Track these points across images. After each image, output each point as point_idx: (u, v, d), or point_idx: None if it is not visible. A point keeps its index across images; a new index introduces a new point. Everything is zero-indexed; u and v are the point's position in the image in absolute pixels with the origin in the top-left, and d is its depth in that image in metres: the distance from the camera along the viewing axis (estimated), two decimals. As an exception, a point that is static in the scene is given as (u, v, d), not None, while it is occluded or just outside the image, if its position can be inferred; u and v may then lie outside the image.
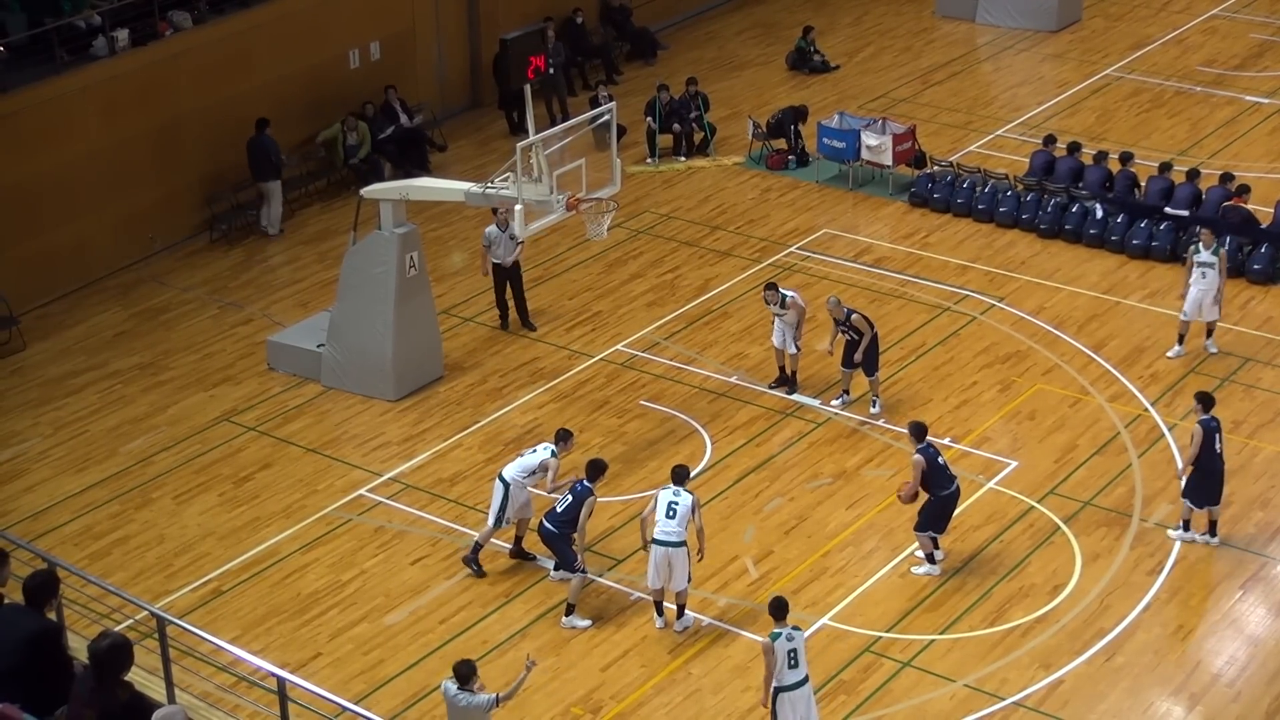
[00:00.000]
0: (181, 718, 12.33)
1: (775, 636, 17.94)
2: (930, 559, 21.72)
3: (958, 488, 21.56)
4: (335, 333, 26.38)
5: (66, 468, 24.68)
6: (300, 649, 20.78)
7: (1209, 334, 26.43)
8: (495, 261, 27.40)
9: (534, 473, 21.70)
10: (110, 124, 29.66)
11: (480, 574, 21.97)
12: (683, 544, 20.28)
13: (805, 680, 18.14)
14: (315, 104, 32.74)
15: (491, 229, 27.08)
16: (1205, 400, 21.87)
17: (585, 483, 20.96)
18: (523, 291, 27.89)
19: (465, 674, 17.19)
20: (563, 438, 22.06)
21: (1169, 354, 26.32)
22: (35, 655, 13.39)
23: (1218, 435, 21.61)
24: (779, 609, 18.31)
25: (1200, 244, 25.93)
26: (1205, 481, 21.77)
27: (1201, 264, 25.81)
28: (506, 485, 21.64)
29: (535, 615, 21.23)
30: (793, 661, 18.02)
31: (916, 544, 21.74)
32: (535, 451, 21.91)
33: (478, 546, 22.00)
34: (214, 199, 31.43)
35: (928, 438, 21.54)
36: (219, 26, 31.44)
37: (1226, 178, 29.90)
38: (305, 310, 28.50)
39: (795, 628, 18.24)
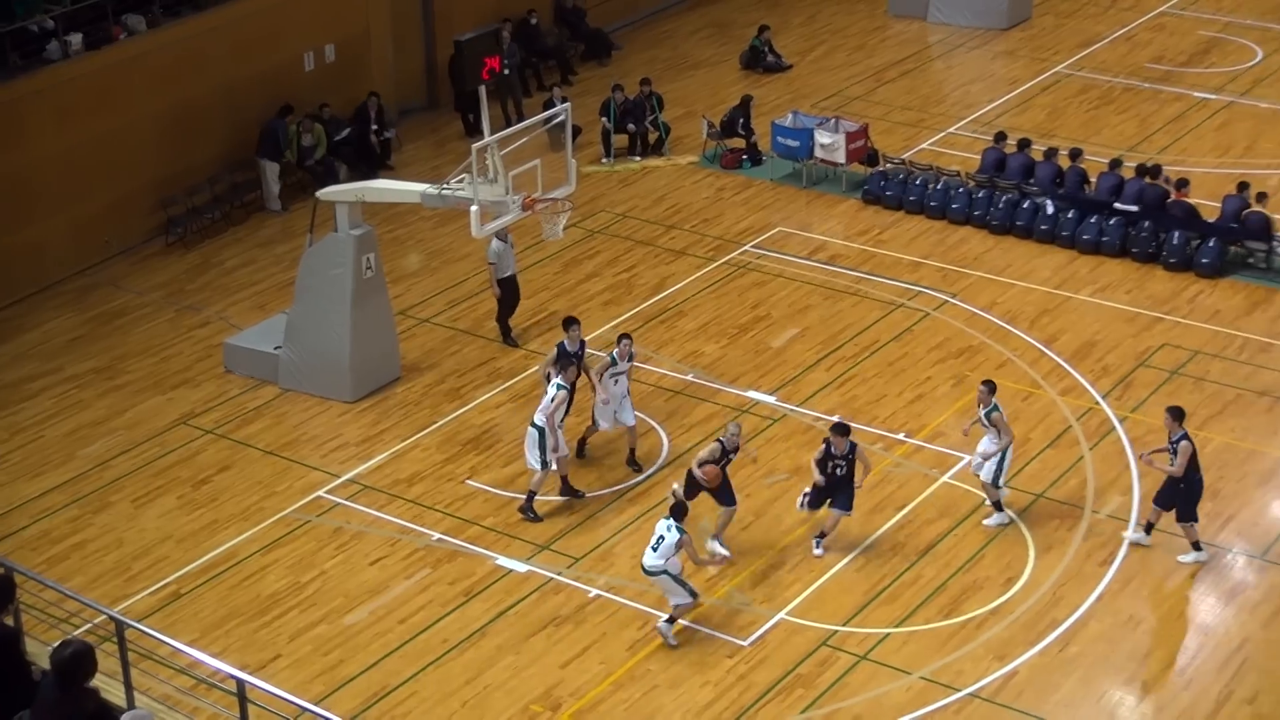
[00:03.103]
0: (147, 720, 12.34)
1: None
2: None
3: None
4: (293, 335, 26.34)
5: (23, 473, 24.56)
6: (260, 650, 20.73)
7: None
8: (503, 278, 27.21)
9: (553, 400, 22.80)
10: (64, 128, 29.53)
11: (537, 519, 22.94)
12: (663, 572, 20.17)
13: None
14: (270, 107, 32.62)
15: (495, 244, 26.76)
16: (1179, 414, 21.55)
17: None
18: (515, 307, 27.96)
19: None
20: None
21: None
22: (-8, 661, 13.35)
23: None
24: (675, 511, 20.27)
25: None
26: (1191, 494, 21.51)
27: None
28: (540, 430, 22.52)
29: (494, 614, 21.23)
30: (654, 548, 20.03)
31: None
32: (549, 392, 22.84)
33: (531, 494, 22.95)
34: (169, 202, 31.32)
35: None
36: (173, 30, 31.33)
37: (1155, 172, 29.99)
38: (262, 313, 28.43)
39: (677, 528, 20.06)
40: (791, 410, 25.39)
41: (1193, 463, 21.37)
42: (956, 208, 31.13)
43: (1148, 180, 29.73)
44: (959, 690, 19.72)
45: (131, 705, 14.15)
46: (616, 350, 23.64)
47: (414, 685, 20.10)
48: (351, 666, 20.45)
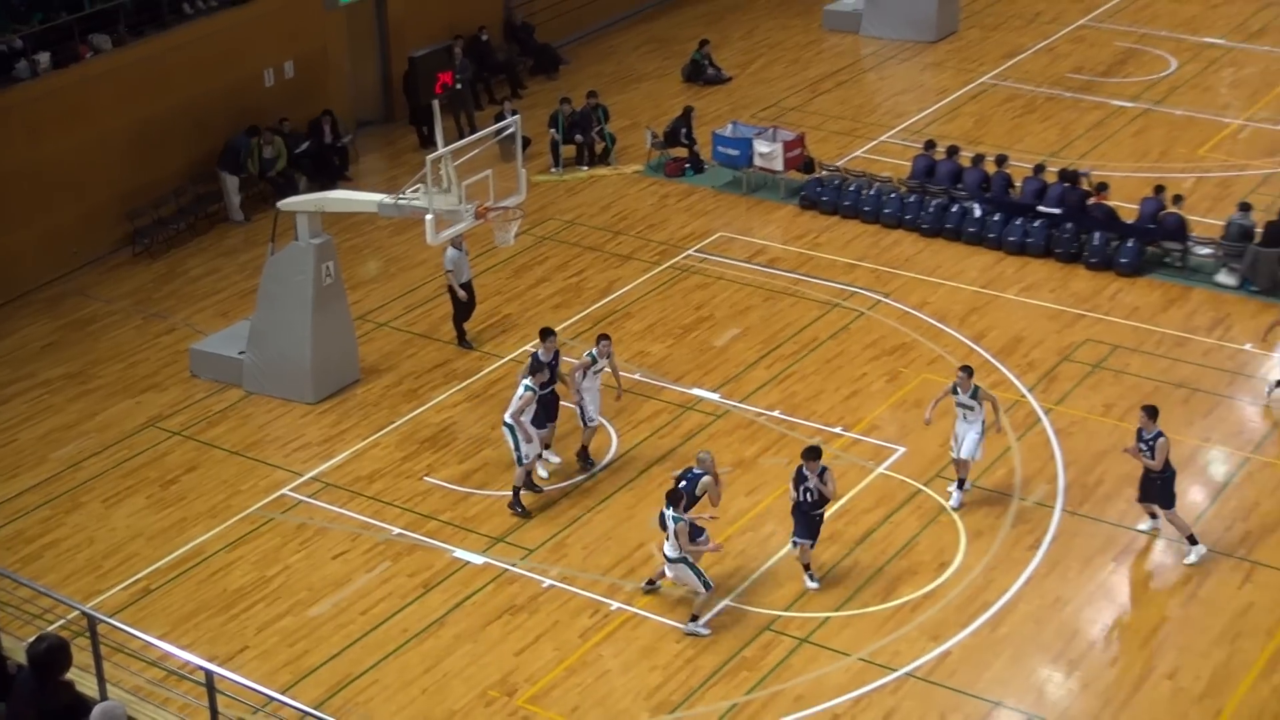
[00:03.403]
0: (119, 711, 12.26)
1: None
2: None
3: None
4: (256, 340, 26.25)
5: (-2, 475, 24.49)
6: (228, 642, 20.66)
7: None
8: (461, 282, 27.12)
9: (520, 399, 22.73)
10: (34, 143, 29.35)
11: (527, 515, 22.91)
12: (683, 560, 20.15)
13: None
14: (232, 121, 32.49)
15: (451, 252, 26.62)
16: (1154, 412, 21.50)
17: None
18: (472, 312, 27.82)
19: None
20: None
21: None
22: (-33, 657, 13.27)
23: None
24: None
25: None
26: (1170, 486, 21.58)
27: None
28: (511, 428, 22.57)
29: (452, 605, 21.21)
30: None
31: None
32: (518, 392, 22.85)
33: (516, 490, 22.95)
34: (136, 214, 31.16)
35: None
36: (138, 48, 31.17)
37: (1076, 176, 30.20)
38: (226, 319, 28.32)
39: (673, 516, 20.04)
40: (734, 406, 25.43)
41: (1168, 458, 21.46)
42: (889, 212, 31.23)
43: (1081, 186, 29.93)
44: (896, 670, 19.80)
45: (104, 697, 14.08)
46: (596, 349, 23.59)
47: (376, 674, 20.07)
48: (316, 657, 20.40)
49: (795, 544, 21.19)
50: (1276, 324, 25.29)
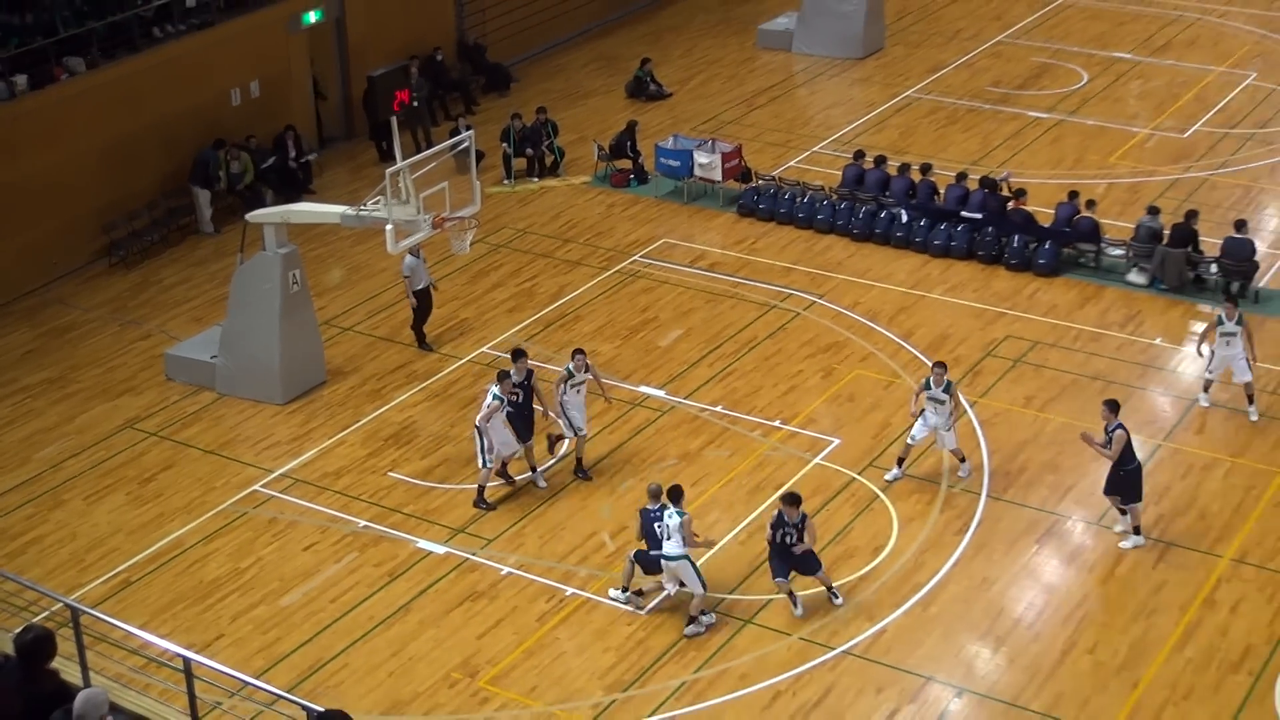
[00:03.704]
0: (103, 698, 12.18)
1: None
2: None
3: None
4: (227, 344, 26.12)
5: (-17, 475, 24.27)
6: (204, 631, 20.55)
7: (1249, 400, 24.51)
8: (418, 290, 27.00)
9: (488, 406, 22.55)
10: (11, 161, 29.10)
11: (490, 508, 22.81)
12: (684, 558, 19.98)
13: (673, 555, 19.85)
14: (201, 139, 32.30)
15: (408, 259, 26.49)
16: (1115, 406, 21.37)
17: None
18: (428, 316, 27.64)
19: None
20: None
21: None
22: (-43, 648, 13.16)
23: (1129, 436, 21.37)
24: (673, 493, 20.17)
25: (1223, 315, 24.11)
26: (1133, 479, 21.41)
27: (1225, 334, 24.02)
28: (478, 432, 22.50)
29: (416, 592, 21.15)
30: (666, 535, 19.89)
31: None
32: (485, 400, 22.74)
33: (480, 489, 22.84)
34: (111, 227, 30.96)
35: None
36: (110, 70, 30.94)
37: (996, 184, 30.38)
38: (199, 325, 28.14)
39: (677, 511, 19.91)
40: (679, 402, 25.45)
41: (1128, 450, 21.21)
42: (821, 218, 31.30)
43: (1006, 197, 30.06)
44: (834, 648, 19.86)
45: (88, 684, 13.98)
46: (572, 364, 23.25)
47: (345, 658, 20.00)
48: (288, 643, 20.31)
49: (777, 583, 20.35)
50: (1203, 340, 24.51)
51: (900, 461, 23.12)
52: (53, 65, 30.04)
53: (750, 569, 21.32)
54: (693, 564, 20.07)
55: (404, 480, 23.72)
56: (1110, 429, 21.23)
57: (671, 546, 19.98)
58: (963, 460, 23.21)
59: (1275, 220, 31.17)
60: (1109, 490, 21.71)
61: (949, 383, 22.72)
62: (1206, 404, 24.68)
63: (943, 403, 22.61)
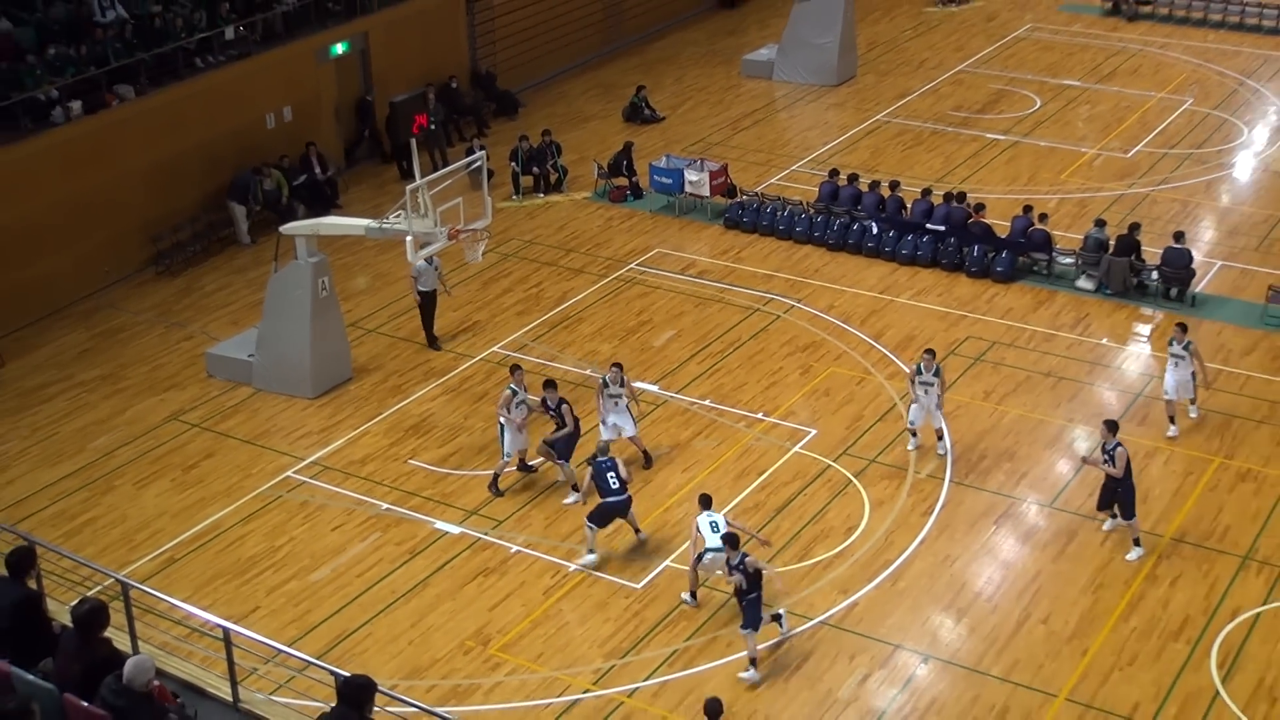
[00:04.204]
0: (149, 663, 12.15)
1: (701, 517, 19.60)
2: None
3: None
4: (262, 344, 26.07)
5: (42, 463, 24.15)
6: (242, 604, 20.51)
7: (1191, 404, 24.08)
8: (423, 290, 26.91)
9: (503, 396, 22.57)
10: (68, 179, 29.05)
11: (500, 494, 22.69)
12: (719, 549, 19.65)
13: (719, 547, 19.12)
14: (239, 158, 32.25)
15: (420, 263, 26.25)
16: (1114, 426, 20.63)
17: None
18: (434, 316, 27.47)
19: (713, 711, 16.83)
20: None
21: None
22: (19, 619, 13.12)
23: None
24: (704, 500, 19.80)
25: (1173, 338, 23.47)
26: (1130, 494, 20.64)
27: (1174, 355, 23.38)
28: (501, 425, 22.61)
29: (433, 569, 21.12)
30: (715, 528, 19.43)
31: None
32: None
33: (496, 476, 22.76)
34: (158, 238, 30.91)
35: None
36: (157, 97, 30.88)
37: (960, 197, 30.32)
38: (237, 327, 28.08)
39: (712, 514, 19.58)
40: (671, 396, 25.40)
41: (1128, 466, 20.52)
42: (800, 230, 31.25)
43: (968, 210, 30.00)
44: (812, 619, 19.83)
45: (136, 651, 13.95)
46: (608, 375, 22.89)
47: (370, 628, 19.97)
48: (318, 615, 20.28)
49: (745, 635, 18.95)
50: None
51: (914, 434, 23.29)
52: (105, 92, 29.99)
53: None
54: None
55: (423, 467, 23.67)
56: (1110, 448, 20.50)
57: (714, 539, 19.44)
58: (941, 438, 23.20)
59: (1210, 232, 31.13)
60: (1102, 505, 21.12)
61: (938, 367, 22.82)
62: (1175, 433, 23.56)
63: (931, 385, 22.71)
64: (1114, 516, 21.19)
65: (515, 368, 23.18)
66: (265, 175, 32.16)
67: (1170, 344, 23.65)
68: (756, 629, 18.75)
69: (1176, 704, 18.25)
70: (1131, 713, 18.16)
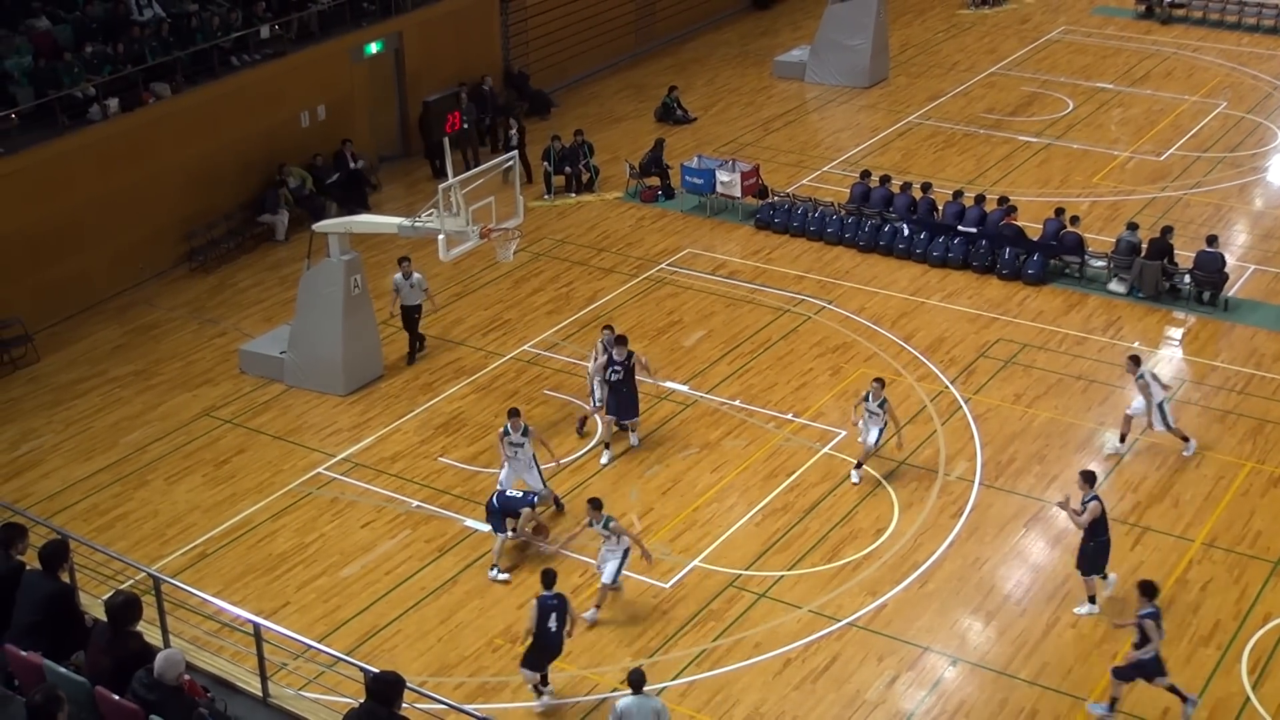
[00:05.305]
0: (179, 658, 12.18)
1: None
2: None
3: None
4: (294, 341, 26.11)
5: (76, 457, 24.25)
6: (272, 599, 20.54)
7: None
8: (404, 305, 26.82)
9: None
10: (104, 176, 29.16)
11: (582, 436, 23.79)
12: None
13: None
14: (274, 157, 32.35)
15: (397, 277, 26.41)
16: (1090, 478, 19.62)
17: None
18: (417, 330, 27.13)
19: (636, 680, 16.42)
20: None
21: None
22: (52, 612, 13.18)
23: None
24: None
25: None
26: (1102, 551, 19.64)
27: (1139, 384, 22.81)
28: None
29: (462, 567, 21.12)
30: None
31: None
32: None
33: (583, 420, 24.13)
34: (192, 235, 31.02)
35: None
36: (192, 95, 30.97)
37: (1001, 200, 30.26)
38: (270, 324, 28.14)
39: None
40: (701, 397, 25.36)
41: (1101, 522, 19.42)
42: (831, 231, 31.18)
43: (1005, 211, 29.84)
44: (840, 620, 19.77)
45: (168, 645, 13.99)
46: (509, 423, 21.64)
47: (399, 625, 19.98)
48: (347, 611, 20.30)
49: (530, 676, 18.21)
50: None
51: (859, 465, 22.73)
52: (141, 90, 30.08)
53: (763, 548, 21.23)
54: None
55: (453, 465, 23.67)
56: (1085, 500, 19.49)
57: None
58: (859, 466, 22.67)
59: (1243, 235, 30.94)
60: (1080, 564, 19.83)
61: (884, 399, 22.40)
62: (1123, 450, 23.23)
63: (876, 414, 22.37)
64: (1104, 576, 20.06)
65: (608, 328, 24.06)
66: (288, 175, 32.26)
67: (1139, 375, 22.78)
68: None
69: (1207, 709, 18.12)
70: (1161, 717, 18.04)
